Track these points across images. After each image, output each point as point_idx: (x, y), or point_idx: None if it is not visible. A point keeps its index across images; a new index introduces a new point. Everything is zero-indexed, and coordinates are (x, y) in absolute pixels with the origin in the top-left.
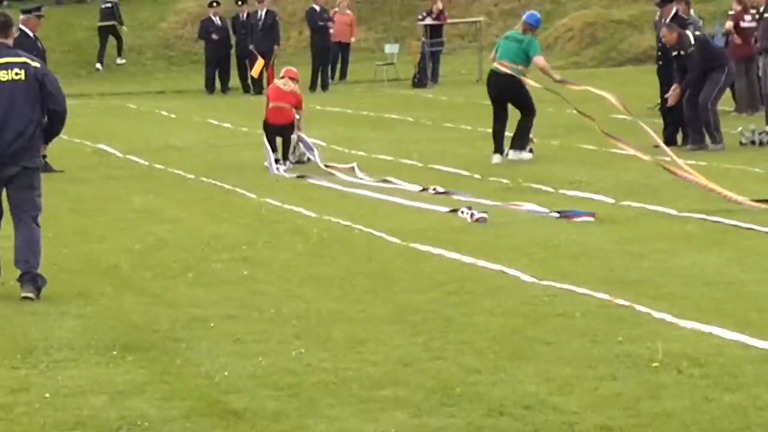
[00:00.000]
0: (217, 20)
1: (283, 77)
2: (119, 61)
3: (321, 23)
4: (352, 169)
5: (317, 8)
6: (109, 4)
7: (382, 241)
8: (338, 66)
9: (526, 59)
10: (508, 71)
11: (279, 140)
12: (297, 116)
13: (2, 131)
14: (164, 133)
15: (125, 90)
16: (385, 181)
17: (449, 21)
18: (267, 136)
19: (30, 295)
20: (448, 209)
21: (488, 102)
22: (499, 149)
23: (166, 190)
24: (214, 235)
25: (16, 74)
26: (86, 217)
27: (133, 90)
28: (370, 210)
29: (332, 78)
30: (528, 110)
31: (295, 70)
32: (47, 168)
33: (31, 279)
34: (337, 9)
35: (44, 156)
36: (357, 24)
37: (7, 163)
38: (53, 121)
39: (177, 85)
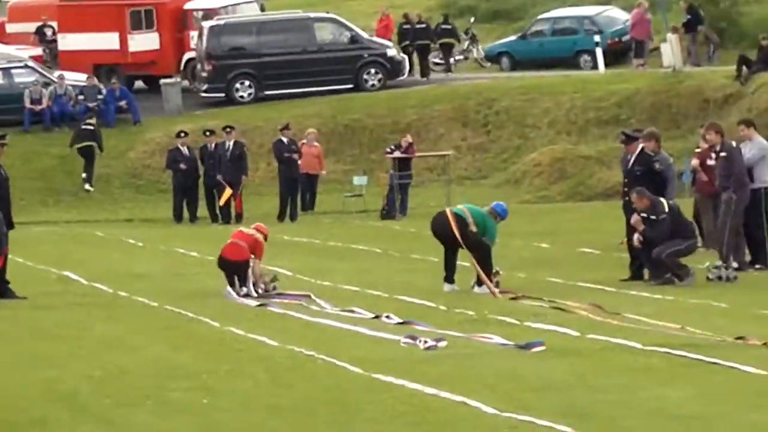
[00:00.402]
0: (185, 150)
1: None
2: (87, 187)
3: (287, 154)
4: (308, 296)
5: (284, 140)
6: (90, 126)
7: (345, 371)
8: (306, 197)
9: (482, 233)
10: (466, 218)
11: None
12: (251, 263)
13: None
14: (130, 261)
15: (92, 218)
16: (350, 311)
17: (418, 154)
18: (224, 273)
19: None
20: (406, 337)
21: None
22: (450, 279)
23: (129, 318)
24: (175, 363)
25: None
26: (46, 344)
27: (100, 218)
28: (334, 339)
29: (303, 209)
30: (479, 247)
31: (265, 227)
32: (9, 294)
33: None
34: (305, 141)
35: (7, 282)
36: (325, 156)
37: None
38: None
39: (144, 213)
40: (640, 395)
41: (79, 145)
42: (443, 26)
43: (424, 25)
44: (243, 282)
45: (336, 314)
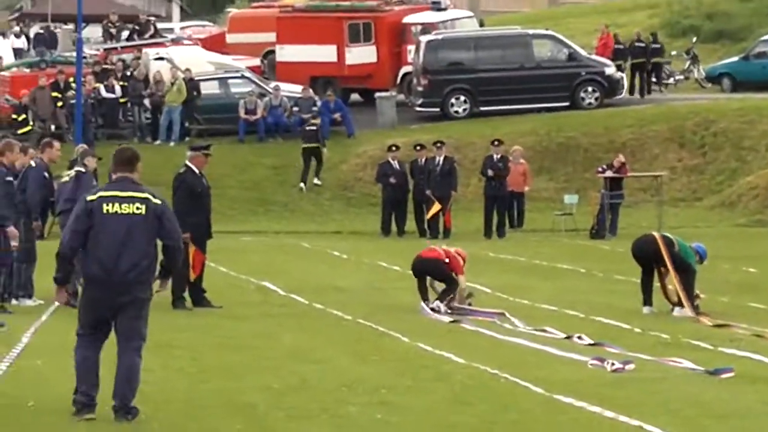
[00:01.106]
0: (395, 164)
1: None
2: (316, 181)
3: (491, 171)
4: (503, 314)
5: (495, 156)
6: (313, 127)
7: (526, 391)
8: (514, 214)
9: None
10: (673, 241)
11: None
12: (452, 272)
13: (118, 261)
14: (331, 273)
15: (302, 229)
16: (542, 330)
17: (630, 174)
18: (417, 278)
19: (123, 422)
20: (594, 359)
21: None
22: (648, 301)
23: (319, 330)
24: (357, 377)
25: (137, 208)
26: (233, 354)
27: (309, 229)
28: (520, 358)
29: (512, 226)
30: (686, 268)
31: (464, 252)
32: (205, 303)
33: (126, 412)
34: (511, 158)
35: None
36: (538, 173)
37: (121, 291)
38: (169, 256)
39: (353, 226)
40: None
41: (305, 146)
42: (653, 46)
43: (642, 44)
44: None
45: (528, 333)
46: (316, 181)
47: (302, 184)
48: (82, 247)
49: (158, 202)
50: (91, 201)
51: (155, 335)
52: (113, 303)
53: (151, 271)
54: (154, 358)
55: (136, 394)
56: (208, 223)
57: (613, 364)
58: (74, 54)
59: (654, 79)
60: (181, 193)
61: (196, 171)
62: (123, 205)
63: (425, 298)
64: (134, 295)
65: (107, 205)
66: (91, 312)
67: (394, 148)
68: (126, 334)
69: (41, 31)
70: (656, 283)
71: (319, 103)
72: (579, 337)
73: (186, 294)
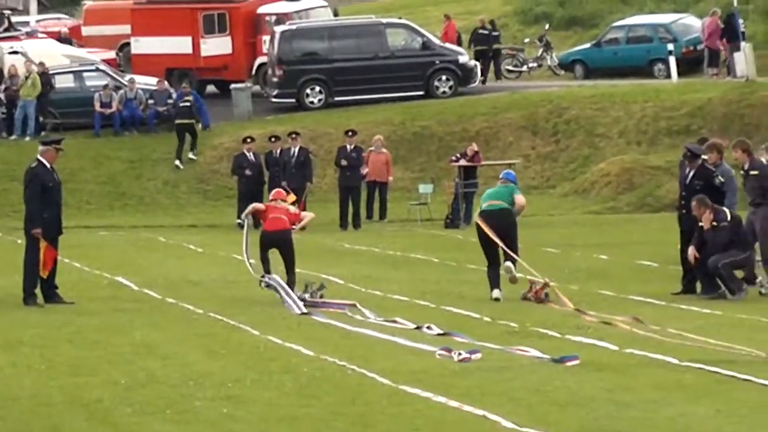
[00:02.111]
0: (250, 156)
1: (273, 199)
2: (191, 155)
3: (345, 162)
4: (354, 305)
5: (348, 147)
6: (187, 103)
7: (373, 382)
8: (376, 205)
9: (512, 201)
10: (505, 206)
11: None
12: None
13: None
14: (186, 267)
15: (158, 223)
16: (393, 321)
17: (484, 162)
18: (262, 250)
19: None
20: (441, 349)
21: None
22: (497, 284)
23: (170, 325)
24: (204, 371)
25: None
26: (83, 350)
27: (165, 223)
28: (369, 350)
29: (370, 217)
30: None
31: (281, 191)
32: (56, 299)
33: None
34: (372, 148)
35: (56, 287)
36: (394, 163)
37: None
38: None
39: (210, 219)
40: (665, 412)
41: (179, 122)
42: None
43: (486, 31)
44: (287, 262)
45: (378, 324)
46: (191, 155)
47: (177, 161)
48: None
49: None
50: None
51: (5, 332)
52: None
53: None
54: (2, 356)
55: None
56: (58, 218)
57: (459, 353)
58: None
59: (516, 68)
60: (33, 187)
61: (48, 165)
62: None
63: (268, 270)
64: None
65: None
66: None
67: (249, 140)
68: None
69: None
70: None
71: (174, 95)
72: (428, 327)
73: (37, 290)
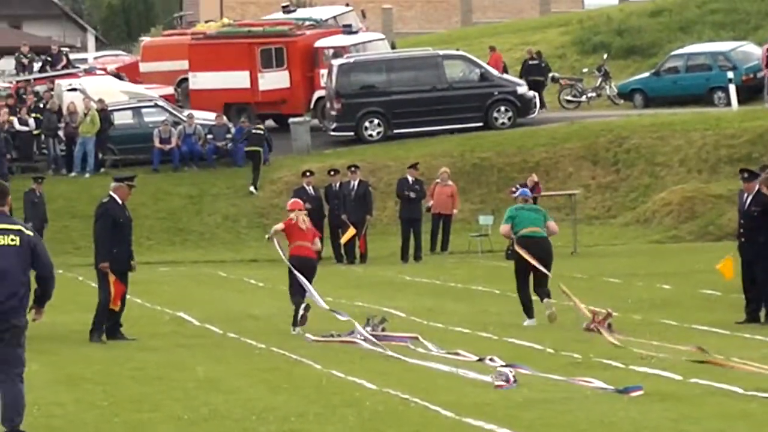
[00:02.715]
0: (310, 189)
1: (291, 210)
2: (252, 190)
3: (407, 193)
4: (416, 338)
5: (409, 179)
6: (260, 131)
7: (436, 415)
8: (439, 237)
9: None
10: (545, 234)
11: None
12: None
13: None
14: (247, 301)
15: (218, 258)
16: (455, 353)
17: (544, 193)
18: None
19: None
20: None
21: (580, 274)
22: (532, 313)
23: (232, 359)
24: (268, 406)
25: (12, 240)
26: (146, 386)
27: (225, 258)
28: (431, 382)
29: (433, 249)
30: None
31: (299, 201)
32: (119, 336)
33: None
34: (438, 180)
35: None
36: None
37: (0, 320)
38: (43, 286)
39: (270, 253)
40: None
41: (248, 149)
42: (530, 62)
43: (536, 61)
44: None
45: (440, 357)
46: (251, 189)
47: (252, 188)
48: None
49: (31, 233)
50: None
51: (67, 368)
52: None
53: (26, 300)
54: (66, 392)
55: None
56: (129, 254)
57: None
58: None
59: (574, 98)
60: (103, 222)
61: (120, 201)
62: None
63: (303, 294)
64: (12, 323)
65: None
66: None
67: (308, 174)
68: (8, 362)
69: None
70: None
71: (233, 130)
72: (491, 359)
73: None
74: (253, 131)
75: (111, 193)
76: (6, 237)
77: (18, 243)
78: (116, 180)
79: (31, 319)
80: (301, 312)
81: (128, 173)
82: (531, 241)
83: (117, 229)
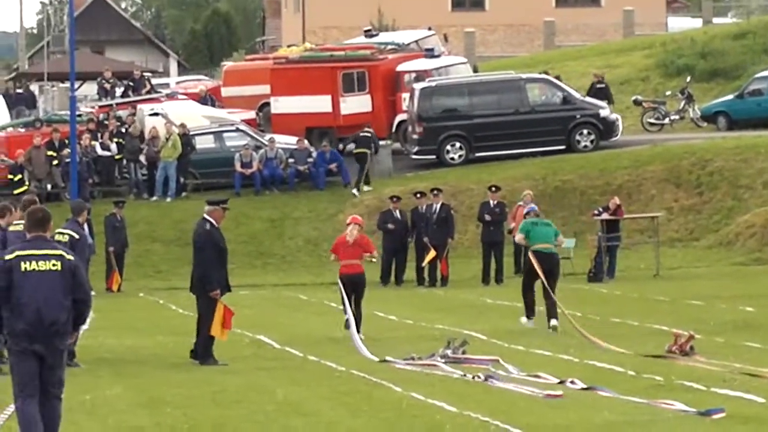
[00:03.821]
0: (396, 213)
1: (349, 223)
2: (366, 188)
3: (488, 217)
4: (497, 360)
5: (491, 202)
6: (367, 134)
7: None
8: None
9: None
10: (555, 251)
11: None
12: (373, 254)
13: (42, 314)
14: (327, 324)
15: (299, 281)
16: (536, 375)
17: (626, 216)
18: (344, 289)
19: None
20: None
21: (663, 297)
22: (531, 314)
23: (313, 382)
24: (348, 429)
25: (53, 265)
26: (226, 409)
27: (307, 281)
28: (511, 405)
29: (518, 272)
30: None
31: (359, 217)
32: (210, 361)
33: None
34: (521, 203)
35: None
36: None
37: (45, 344)
38: (80, 310)
39: None
40: None
41: (356, 151)
42: (597, 86)
43: (603, 85)
44: (357, 303)
45: (521, 379)
46: (365, 188)
47: (355, 191)
48: (4, 304)
49: (71, 258)
50: (9, 260)
51: (148, 391)
52: (38, 355)
53: (69, 324)
54: (146, 416)
55: None
56: (226, 278)
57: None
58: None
59: (658, 121)
60: (210, 249)
61: (215, 225)
62: (40, 263)
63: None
64: (56, 346)
65: (25, 263)
66: (23, 367)
67: (395, 199)
68: (51, 383)
69: (20, 91)
70: None
71: (314, 154)
72: (572, 382)
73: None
74: (361, 134)
75: (206, 216)
76: (48, 262)
77: (60, 268)
78: (210, 203)
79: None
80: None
81: (222, 196)
82: (543, 256)
83: (219, 254)
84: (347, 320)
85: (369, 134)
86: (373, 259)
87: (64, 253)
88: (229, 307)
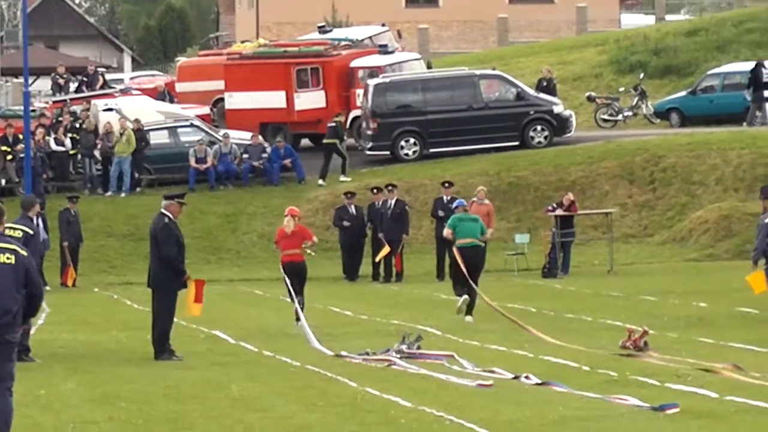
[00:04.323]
0: (351, 209)
1: (286, 215)
2: (342, 178)
3: (441, 213)
4: (452, 356)
5: (445, 198)
6: (333, 124)
7: None
8: None
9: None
10: (480, 244)
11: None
12: (312, 241)
13: None
14: (282, 319)
15: (254, 276)
16: (491, 371)
17: (580, 212)
18: (287, 277)
19: None
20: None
21: (617, 293)
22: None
23: (268, 377)
24: (302, 424)
25: (8, 258)
26: (180, 405)
27: (262, 276)
28: (467, 400)
29: None
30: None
31: (296, 209)
32: (166, 355)
33: None
34: (474, 199)
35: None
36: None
37: None
38: (33, 304)
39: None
40: None
41: (325, 141)
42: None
43: (550, 83)
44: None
45: (476, 374)
46: (342, 178)
47: (321, 180)
48: None
49: (25, 253)
50: None
51: (102, 386)
52: None
53: (19, 316)
54: (100, 411)
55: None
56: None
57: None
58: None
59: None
60: (171, 242)
61: (174, 220)
62: None
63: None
64: (6, 338)
65: None
66: None
67: (349, 195)
68: None
69: None
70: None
71: (269, 150)
72: (527, 377)
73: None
74: (328, 125)
75: (163, 211)
76: (2, 256)
77: (13, 261)
78: (167, 198)
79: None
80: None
81: (178, 191)
82: (466, 250)
83: (179, 248)
84: (296, 311)
85: (335, 124)
86: (313, 252)
87: (18, 248)
88: (198, 279)
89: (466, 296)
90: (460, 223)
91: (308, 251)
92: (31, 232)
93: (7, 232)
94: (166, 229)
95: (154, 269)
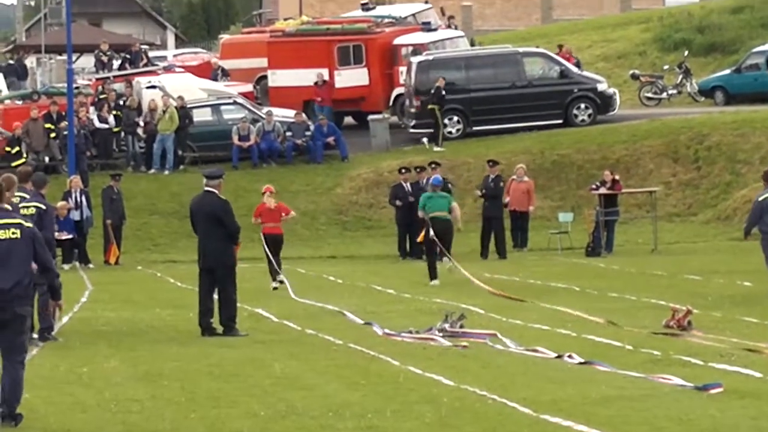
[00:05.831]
0: (407, 186)
1: (264, 192)
2: (436, 149)
3: (485, 191)
4: (495, 335)
5: (490, 176)
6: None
7: (514, 412)
8: (518, 234)
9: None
10: (448, 217)
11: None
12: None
13: (1, 281)
14: (324, 297)
15: (297, 254)
16: (534, 350)
17: (624, 190)
18: (267, 246)
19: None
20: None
21: (660, 272)
22: (436, 275)
23: (310, 356)
24: (344, 402)
25: (13, 233)
26: (223, 382)
27: (305, 254)
28: (509, 379)
29: (514, 246)
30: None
31: (271, 186)
32: (234, 332)
33: (12, 418)
34: (514, 177)
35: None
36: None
37: (4, 308)
38: (47, 277)
39: (349, 250)
40: None
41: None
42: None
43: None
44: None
45: (519, 353)
46: (436, 148)
47: (436, 147)
48: None
49: (30, 226)
50: None
51: (144, 365)
52: None
53: (30, 289)
54: (143, 389)
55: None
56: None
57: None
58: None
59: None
60: (233, 216)
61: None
62: (0, 231)
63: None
64: (16, 311)
65: None
66: None
67: (404, 171)
68: (11, 348)
69: (12, 62)
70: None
71: (312, 127)
72: (569, 356)
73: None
74: (432, 91)
75: (210, 188)
76: (8, 231)
77: (19, 235)
78: (212, 177)
79: (57, 316)
80: (274, 285)
81: (214, 169)
82: (436, 221)
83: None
84: (273, 272)
85: (436, 89)
86: (292, 216)
87: (22, 222)
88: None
89: (437, 282)
90: (429, 201)
91: (290, 221)
92: (44, 207)
93: (21, 211)
94: (227, 205)
95: (218, 247)
